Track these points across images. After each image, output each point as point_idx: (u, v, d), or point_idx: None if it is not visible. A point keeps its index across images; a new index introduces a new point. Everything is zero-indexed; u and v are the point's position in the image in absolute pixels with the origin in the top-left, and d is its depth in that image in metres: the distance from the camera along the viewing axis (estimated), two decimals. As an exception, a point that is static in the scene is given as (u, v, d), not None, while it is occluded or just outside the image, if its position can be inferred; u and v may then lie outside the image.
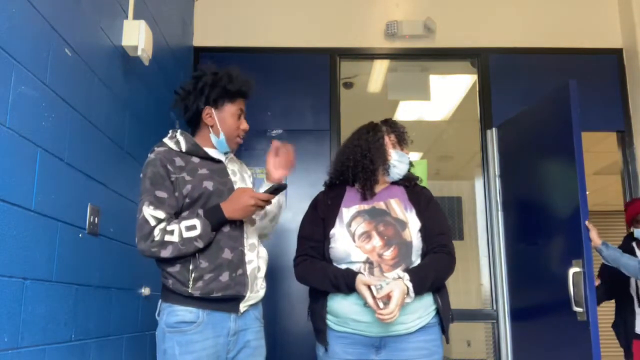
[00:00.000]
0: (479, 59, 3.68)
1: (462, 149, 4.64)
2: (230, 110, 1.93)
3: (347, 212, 1.95)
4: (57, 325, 1.87)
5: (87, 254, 2.07)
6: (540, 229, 3.02)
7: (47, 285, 1.81)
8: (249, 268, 1.84)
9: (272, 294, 3.34)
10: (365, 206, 1.95)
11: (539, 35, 3.67)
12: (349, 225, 1.91)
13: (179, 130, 1.91)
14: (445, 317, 1.87)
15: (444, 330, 1.88)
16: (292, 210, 3.43)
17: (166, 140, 1.88)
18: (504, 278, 3.31)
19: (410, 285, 1.72)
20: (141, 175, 1.81)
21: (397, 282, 1.71)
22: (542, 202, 3.02)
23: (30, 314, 1.70)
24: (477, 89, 3.68)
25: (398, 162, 1.98)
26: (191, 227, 1.72)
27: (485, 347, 3.89)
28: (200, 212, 1.76)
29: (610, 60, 3.64)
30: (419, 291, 1.76)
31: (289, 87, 3.64)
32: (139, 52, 2.51)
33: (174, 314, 1.75)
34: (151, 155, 1.83)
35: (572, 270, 2.59)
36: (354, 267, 1.85)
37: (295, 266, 2.01)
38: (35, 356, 1.73)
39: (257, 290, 1.87)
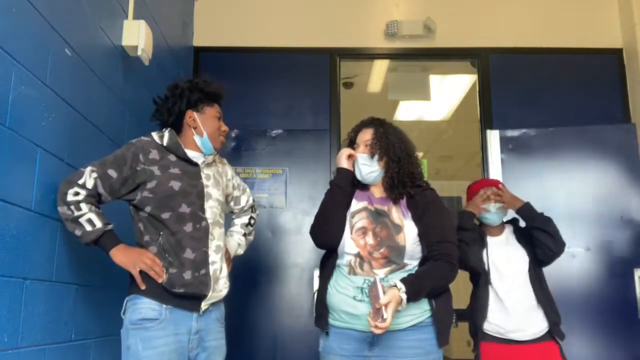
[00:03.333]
0: (479, 59, 3.68)
1: (462, 149, 4.64)
2: (210, 112, 2.05)
3: (355, 204, 2.01)
4: (57, 325, 1.87)
5: (87, 254, 2.07)
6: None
7: (47, 285, 1.81)
8: (212, 269, 1.90)
9: (271, 293, 3.34)
10: (371, 207, 1.99)
11: (539, 35, 3.67)
12: (352, 216, 1.97)
13: (169, 128, 2.00)
14: (438, 320, 1.86)
15: (437, 334, 1.85)
16: (291, 210, 3.43)
17: (154, 133, 1.99)
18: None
19: (404, 297, 1.73)
20: None
21: (393, 292, 1.71)
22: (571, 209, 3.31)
23: (30, 314, 1.70)
24: (477, 89, 3.68)
25: (361, 165, 2.01)
26: (89, 221, 1.79)
27: (485, 347, 3.87)
28: (110, 227, 1.83)
29: (610, 60, 3.63)
30: (413, 300, 1.78)
31: (289, 87, 3.64)
32: (139, 52, 2.51)
33: (137, 311, 1.82)
34: (133, 140, 1.95)
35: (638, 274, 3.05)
36: (346, 259, 1.92)
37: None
38: (35, 356, 1.73)
39: (219, 290, 1.94)
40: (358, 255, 1.90)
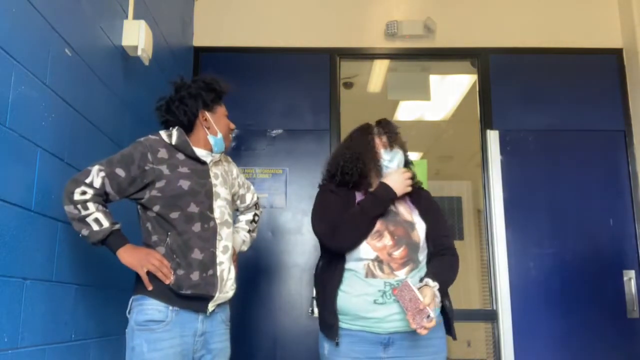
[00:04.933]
0: (479, 59, 3.68)
1: (462, 149, 4.63)
2: (221, 111, 2.06)
3: None
4: (57, 325, 1.87)
5: (87, 254, 2.07)
6: (565, 235, 3.32)
7: (47, 285, 1.81)
8: (219, 269, 1.88)
9: (271, 294, 3.34)
10: None
11: (539, 35, 3.67)
12: None
13: (177, 127, 1.99)
14: (450, 316, 1.92)
15: (450, 329, 1.93)
16: (291, 210, 3.43)
17: (162, 131, 1.97)
18: (507, 278, 3.31)
19: (438, 294, 1.79)
20: None
21: (432, 291, 1.76)
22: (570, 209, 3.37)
23: (30, 314, 1.70)
24: (477, 89, 3.68)
25: (389, 161, 2.00)
26: (96, 221, 1.77)
27: (486, 347, 3.88)
28: (117, 226, 1.81)
29: (610, 60, 3.63)
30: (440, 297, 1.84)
31: (289, 87, 3.63)
32: (139, 52, 2.51)
33: (143, 312, 1.81)
34: (141, 139, 1.93)
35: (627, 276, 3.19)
36: (362, 264, 1.88)
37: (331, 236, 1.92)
38: (35, 356, 1.73)
39: (226, 291, 1.92)
40: (376, 259, 1.88)
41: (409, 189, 1.97)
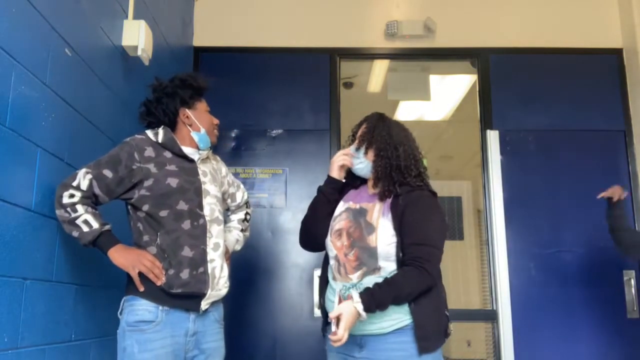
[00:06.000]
0: (479, 59, 3.68)
1: (462, 149, 4.63)
2: (202, 107, 2.06)
3: (340, 206, 2.01)
4: (57, 325, 1.87)
5: (87, 254, 2.07)
6: (566, 235, 3.33)
7: (47, 285, 1.81)
8: (211, 267, 1.88)
9: (271, 294, 3.34)
10: (357, 205, 1.97)
11: (539, 35, 3.67)
12: (334, 219, 1.99)
13: (162, 126, 2.00)
14: (418, 326, 1.78)
15: (417, 340, 1.77)
16: (291, 210, 3.44)
17: (148, 130, 1.98)
18: (507, 278, 3.31)
19: (360, 307, 1.68)
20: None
21: (348, 305, 1.69)
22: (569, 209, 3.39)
23: (30, 314, 1.70)
24: (477, 89, 3.68)
25: (352, 158, 2.01)
26: (85, 223, 1.78)
27: (486, 347, 3.89)
28: (107, 227, 1.81)
29: (610, 60, 3.64)
30: (376, 309, 1.72)
31: (289, 87, 3.63)
32: (139, 52, 2.51)
33: (134, 312, 1.81)
34: (127, 139, 1.93)
35: (627, 276, 3.19)
36: (331, 264, 1.94)
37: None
38: (35, 356, 1.73)
39: (218, 289, 1.92)
40: (336, 258, 1.90)
41: (341, 162, 2.00)
